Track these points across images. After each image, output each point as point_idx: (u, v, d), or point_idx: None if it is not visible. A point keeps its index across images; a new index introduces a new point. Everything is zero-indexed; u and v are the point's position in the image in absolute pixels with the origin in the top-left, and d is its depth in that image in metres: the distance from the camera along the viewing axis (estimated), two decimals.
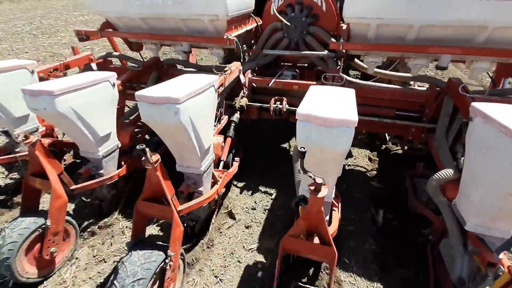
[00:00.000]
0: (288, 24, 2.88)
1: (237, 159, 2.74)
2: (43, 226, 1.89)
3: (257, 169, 3.12)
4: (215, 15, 2.48)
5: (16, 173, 2.70)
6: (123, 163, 2.52)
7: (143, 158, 1.51)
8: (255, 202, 2.70)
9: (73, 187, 2.13)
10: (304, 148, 1.25)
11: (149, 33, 2.90)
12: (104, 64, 3.28)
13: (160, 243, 1.72)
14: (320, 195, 1.28)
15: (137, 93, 1.65)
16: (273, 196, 2.77)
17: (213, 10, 2.45)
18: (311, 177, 1.28)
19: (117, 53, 3.36)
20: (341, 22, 2.89)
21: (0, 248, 1.73)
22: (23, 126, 2.52)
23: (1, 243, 1.74)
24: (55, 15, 13.77)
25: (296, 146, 2.04)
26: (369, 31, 2.27)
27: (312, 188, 1.30)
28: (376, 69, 2.67)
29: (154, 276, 1.55)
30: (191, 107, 1.71)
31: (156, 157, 1.56)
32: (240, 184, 2.92)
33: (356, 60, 2.75)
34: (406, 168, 2.65)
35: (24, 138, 1.84)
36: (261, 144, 3.62)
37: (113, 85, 2.33)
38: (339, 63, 2.93)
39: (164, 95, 1.60)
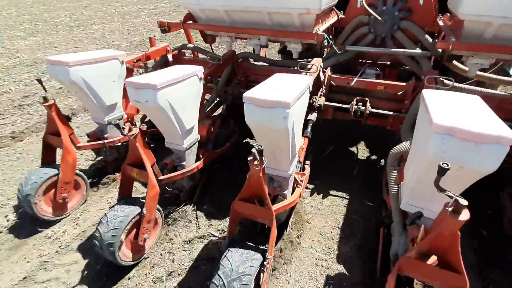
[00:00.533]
0: (379, 18, 2.66)
1: (307, 162, 2.67)
2: (140, 214, 1.98)
3: (323, 173, 3.00)
4: (307, 9, 2.34)
5: (102, 157, 2.86)
6: (201, 155, 2.56)
7: (253, 159, 1.48)
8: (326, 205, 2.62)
9: (161, 177, 2.19)
10: (448, 165, 1.11)
11: (232, 26, 2.84)
12: (179, 56, 3.31)
13: (252, 244, 1.70)
14: (460, 218, 1.14)
15: (245, 94, 1.61)
16: (346, 201, 2.65)
17: (305, 4, 2.31)
18: (451, 197, 1.15)
19: (191, 45, 3.37)
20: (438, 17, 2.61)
21: (103, 234, 1.85)
22: (111, 114, 2.67)
23: (105, 230, 1.85)
24: (97, 5, 14.48)
25: (393, 155, 1.91)
26: (487, 30, 2.00)
27: (451, 209, 1.16)
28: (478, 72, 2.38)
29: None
30: (295, 112, 1.66)
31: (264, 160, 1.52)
32: (310, 187, 2.84)
33: (454, 61, 2.47)
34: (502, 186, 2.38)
35: (128, 131, 1.91)
36: (323, 146, 3.48)
37: (200, 79, 2.34)
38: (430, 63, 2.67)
39: (275, 99, 1.54)
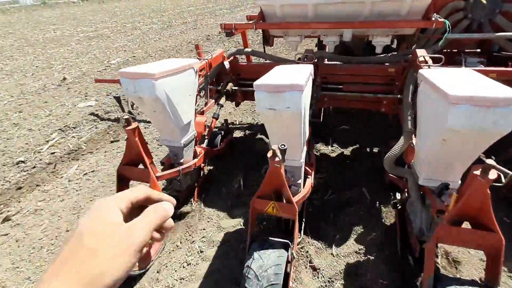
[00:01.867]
0: (483, 1, 2.55)
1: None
2: None
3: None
4: None
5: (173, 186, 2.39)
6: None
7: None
8: None
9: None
10: None
11: (315, 21, 2.53)
12: (234, 61, 3.03)
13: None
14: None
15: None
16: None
17: None
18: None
19: (248, 49, 3.10)
20: None
21: None
22: (186, 135, 2.25)
23: None
24: (25, 30, 12.47)
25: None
26: None
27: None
28: None
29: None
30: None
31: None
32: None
33: None
34: None
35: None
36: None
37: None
38: None
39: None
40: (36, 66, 6.89)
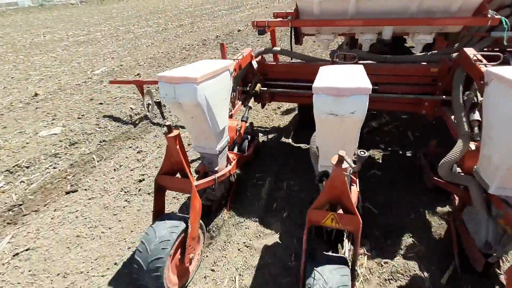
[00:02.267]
0: None
1: None
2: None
3: None
4: None
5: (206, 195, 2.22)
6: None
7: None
8: None
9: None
10: None
11: (358, 18, 2.41)
12: (261, 61, 2.90)
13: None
14: None
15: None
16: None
17: None
18: None
19: (277, 48, 2.94)
20: None
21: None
22: (221, 141, 2.09)
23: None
24: (18, 33, 11.96)
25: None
26: None
27: None
28: None
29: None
30: None
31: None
32: None
33: None
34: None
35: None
36: None
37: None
38: None
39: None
40: (12, 77, 6.28)
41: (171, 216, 1.75)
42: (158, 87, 4.53)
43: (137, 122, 4.02)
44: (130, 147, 3.40)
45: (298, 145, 3.24)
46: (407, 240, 2.02)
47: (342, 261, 1.48)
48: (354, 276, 1.43)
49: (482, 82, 1.63)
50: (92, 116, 4.29)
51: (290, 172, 2.77)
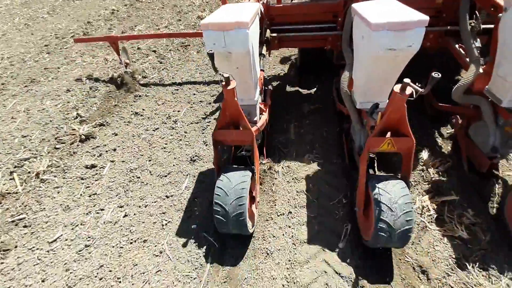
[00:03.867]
0: None
1: None
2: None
3: None
4: None
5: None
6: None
7: (404, 89, 1.41)
8: None
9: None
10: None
11: None
12: (266, 4, 2.62)
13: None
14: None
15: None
16: None
17: None
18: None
19: None
20: None
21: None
22: (256, 92, 2.11)
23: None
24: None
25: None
26: None
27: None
28: None
29: None
30: None
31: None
32: None
33: None
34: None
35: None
36: None
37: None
38: None
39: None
40: None
41: (234, 168, 1.82)
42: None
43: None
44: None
45: (303, 90, 3.34)
46: (423, 155, 2.36)
47: (396, 177, 1.69)
48: (409, 187, 1.64)
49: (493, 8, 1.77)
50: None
51: (303, 116, 2.92)
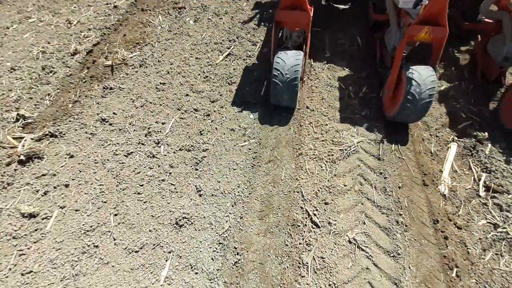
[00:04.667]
0: None
1: None
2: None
3: None
4: None
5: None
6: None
7: None
8: None
9: None
10: None
11: None
12: None
13: None
14: None
15: None
16: None
17: None
18: None
19: None
20: None
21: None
22: None
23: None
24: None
25: None
26: None
27: None
28: None
29: None
30: None
31: None
32: None
33: None
34: None
35: None
36: None
37: None
38: None
39: None
40: None
41: (289, 49, 2.15)
42: None
43: None
44: None
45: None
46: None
47: (427, 64, 2.02)
48: (435, 72, 1.97)
49: None
50: None
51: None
